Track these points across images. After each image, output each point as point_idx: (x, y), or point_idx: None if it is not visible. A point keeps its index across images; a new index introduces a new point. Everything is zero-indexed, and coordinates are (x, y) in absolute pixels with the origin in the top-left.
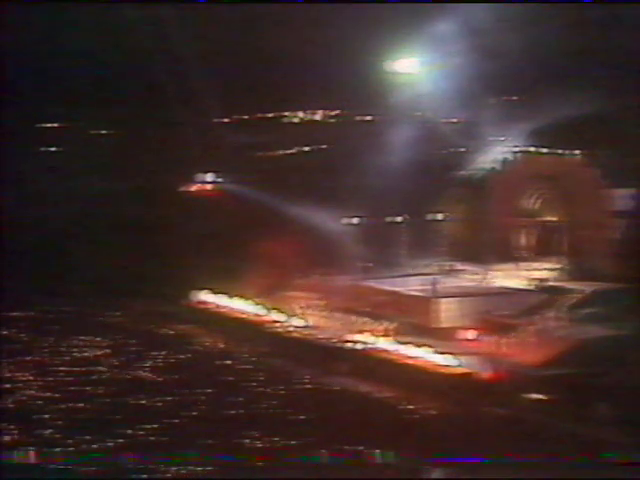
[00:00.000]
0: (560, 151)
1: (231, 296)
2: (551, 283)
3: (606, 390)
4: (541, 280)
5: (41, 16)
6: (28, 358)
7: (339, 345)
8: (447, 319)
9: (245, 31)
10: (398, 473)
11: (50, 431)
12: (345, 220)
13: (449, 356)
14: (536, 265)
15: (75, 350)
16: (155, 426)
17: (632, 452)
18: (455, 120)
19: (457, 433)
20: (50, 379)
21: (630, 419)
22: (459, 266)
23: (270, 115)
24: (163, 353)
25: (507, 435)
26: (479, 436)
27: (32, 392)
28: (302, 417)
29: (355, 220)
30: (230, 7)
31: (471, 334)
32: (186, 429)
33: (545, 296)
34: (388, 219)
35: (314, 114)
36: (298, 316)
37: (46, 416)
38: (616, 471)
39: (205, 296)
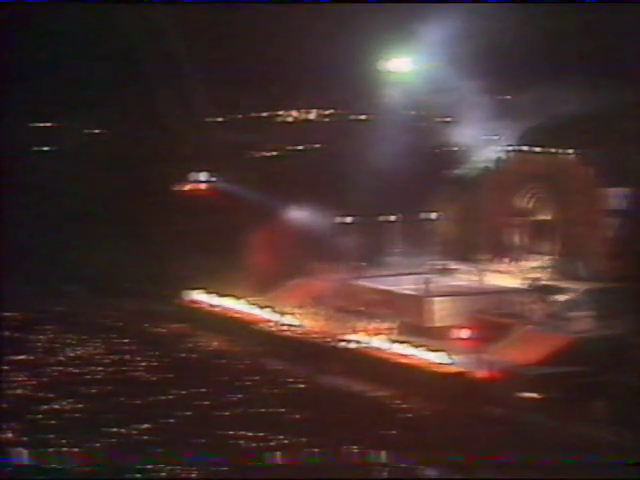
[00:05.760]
0: (554, 150)
1: (224, 295)
2: (544, 282)
3: (601, 389)
4: (534, 279)
5: (37, 16)
6: (20, 358)
7: (332, 344)
8: (440, 318)
9: (239, 30)
10: (393, 473)
11: (43, 431)
12: (338, 219)
13: (443, 355)
14: (529, 264)
15: (68, 350)
16: (148, 426)
17: (631, 452)
18: (448, 119)
19: (451, 432)
20: (43, 379)
21: (626, 418)
22: (452, 265)
23: (264, 114)
24: (156, 352)
25: (502, 434)
26: (474, 435)
27: (24, 392)
28: (296, 417)
29: (348, 219)
30: (224, 6)
31: (464, 333)
32: (180, 429)
33: (538, 295)
34: (381, 218)
35: (308, 113)
36: (291, 315)
37: (39, 416)
38: (616, 471)
39: (198, 295)
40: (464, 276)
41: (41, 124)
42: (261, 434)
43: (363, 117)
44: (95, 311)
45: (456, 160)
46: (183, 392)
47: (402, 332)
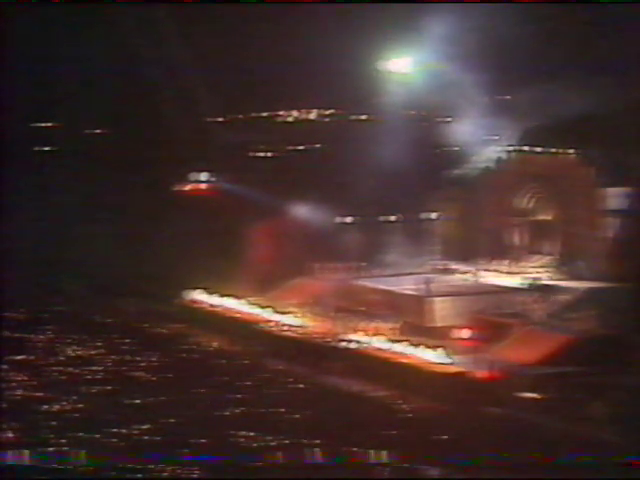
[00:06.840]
0: (554, 150)
1: (224, 295)
2: (544, 282)
3: (601, 389)
4: (534, 279)
5: (37, 16)
6: (20, 358)
7: (333, 344)
8: (441, 318)
9: (239, 30)
10: (393, 473)
11: (44, 431)
12: (339, 219)
13: (443, 355)
14: (530, 264)
15: (68, 350)
16: (149, 426)
17: (631, 452)
18: (449, 119)
19: (452, 432)
20: (43, 379)
21: (627, 418)
22: (453, 265)
23: (264, 114)
24: (157, 352)
25: (503, 434)
26: (474, 436)
27: (24, 392)
28: (297, 416)
29: (349, 219)
30: (224, 6)
31: (465, 333)
32: (181, 429)
33: (539, 295)
34: (382, 218)
35: (308, 113)
36: (292, 315)
37: (40, 416)
38: (616, 471)
39: (199, 295)
40: (464, 276)
41: (41, 124)
42: (261, 434)
43: (363, 117)
44: (95, 311)
45: (456, 160)
46: (183, 392)
47: (403, 332)
